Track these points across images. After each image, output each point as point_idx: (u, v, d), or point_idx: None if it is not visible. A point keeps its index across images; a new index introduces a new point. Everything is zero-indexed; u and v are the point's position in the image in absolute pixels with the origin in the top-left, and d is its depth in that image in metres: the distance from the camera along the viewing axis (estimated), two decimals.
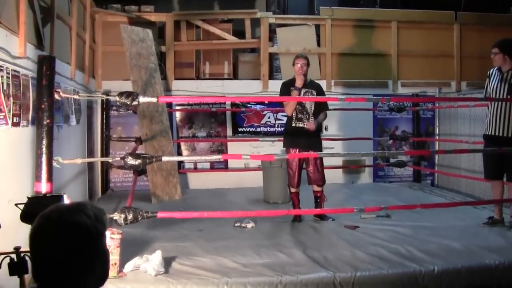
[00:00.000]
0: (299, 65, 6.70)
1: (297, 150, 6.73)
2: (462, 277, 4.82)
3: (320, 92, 6.92)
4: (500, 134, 6.23)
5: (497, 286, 4.84)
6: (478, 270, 4.90)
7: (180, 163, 9.52)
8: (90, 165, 8.73)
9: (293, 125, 6.79)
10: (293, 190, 6.88)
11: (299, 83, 6.72)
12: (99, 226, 1.90)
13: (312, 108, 6.79)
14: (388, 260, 5.01)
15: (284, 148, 7.04)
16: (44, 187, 4.42)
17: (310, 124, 6.71)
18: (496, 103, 6.26)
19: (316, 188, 6.88)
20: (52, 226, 1.82)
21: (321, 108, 6.88)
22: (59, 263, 1.79)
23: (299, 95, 6.70)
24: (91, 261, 1.85)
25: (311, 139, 6.77)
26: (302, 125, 6.76)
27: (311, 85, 6.88)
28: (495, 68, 6.39)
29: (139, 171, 7.99)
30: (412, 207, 6.21)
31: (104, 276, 1.93)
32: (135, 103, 4.90)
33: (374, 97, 6.28)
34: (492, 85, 6.35)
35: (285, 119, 10.09)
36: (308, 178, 6.85)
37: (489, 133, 6.37)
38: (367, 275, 4.66)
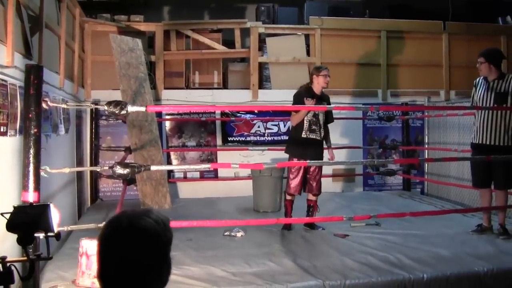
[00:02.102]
0: (325, 77, 6.72)
1: (302, 161, 6.58)
2: (451, 284, 4.84)
3: (329, 103, 6.95)
4: (487, 143, 6.28)
5: None
6: (467, 278, 4.92)
7: (170, 173, 9.50)
8: (79, 175, 8.70)
9: (304, 136, 6.71)
10: (288, 198, 6.87)
11: (318, 89, 6.76)
12: (168, 234, 1.94)
13: (323, 120, 6.83)
14: (378, 268, 5.02)
15: (288, 156, 7.03)
16: (31, 197, 4.39)
17: (332, 155, 6.96)
18: (483, 112, 6.31)
19: (311, 197, 6.86)
20: (122, 232, 1.86)
21: (328, 120, 6.95)
22: (127, 267, 1.83)
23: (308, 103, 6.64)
24: (158, 266, 1.89)
25: (319, 151, 6.78)
26: (314, 137, 6.73)
27: (324, 97, 6.89)
28: (481, 78, 6.45)
29: (129, 181, 7.97)
30: (401, 215, 6.23)
31: (166, 282, 1.94)
32: (123, 112, 4.89)
33: (363, 106, 6.31)
34: (479, 94, 6.40)
35: (275, 128, 10.20)
36: (306, 186, 6.83)
37: (477, 142, 6.41)
38: (357, 283, 4.67)
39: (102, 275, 1.87)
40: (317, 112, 6.68)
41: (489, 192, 6.48)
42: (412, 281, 4.76)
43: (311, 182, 6.78)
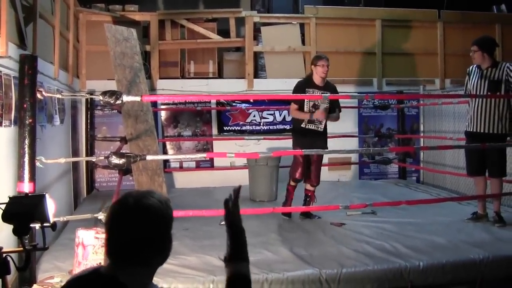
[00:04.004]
0: (323, 67, 6.62)
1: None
2: (447, 272, 4.86)
3: (335, 93, 6.80)
4: (481, 131, 6.29)
5: (482, 280, 4.87)
6: (463, 265, 4.95)
7: (166, 163, 9.49)
8: (75, 165, 8.69)
9: (303, 126, 6.71)
10: (292, 183, 6.89)
11: (318, 80, 6.65)
12: (169, 212, 2.14)
13: (328, 110, 6.67)
14: (374, 256, 5.05)
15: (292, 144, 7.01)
16: (26, 187, 4.38)
17: (319, 114, 6.56)
18: (477, 100, 6.31)
19: (309, 188, 6.87)
20: (129, 210, 2.05)
21: (334, 109, 6.83)
22: (134, 243, 2.02)
23: (310, 117, 6.61)
24: (161, 242, 2.09)
25: (318, 141, 6.62)
26: (314, 128, 6.69)
27: (328, 87, 6.75)
28: (475, 66, 6.46)
29: (124, 171, 7.93)
30: (397, 203, 6.25)
31: (167, 256, 2.15)
32: (118, 102, 4.86)
33: (358, 95, 6.30)
34: (472, 82, 6.41)
35: (270, 117, 10.20)
36: (306, 176, 6.82)
37: (471, 130, 6.42)
38: (353, 271, 4.69)
39: (109, 250, 2.06)
40: (317, 103, 6.60)
41: (484, 180, 6.50)
42: (409, 269, 4.79)
43: (310, 173, 6.77)
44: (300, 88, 6.67)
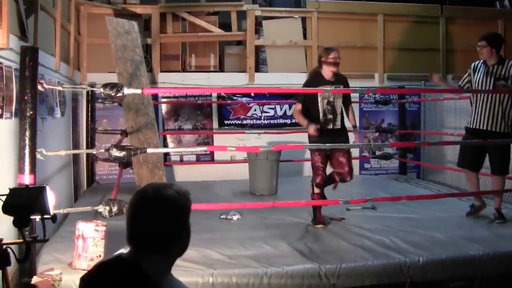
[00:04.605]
0: (335, 60, 6.12)
1: (324, 153, 6.15)
2: (446, 268, 4.86)
3: (347, 86, 6.40)
4: (484, 128, 6.27)
5: (481, 277, 4.88)
6: (462, 261, 4.95)
7: (166, 156, 9.50)
8: (75, 158, 8.69)
9: (319, 127, 6.07)
10: (316, 190, 6.27)
11: (328, 75, 6.16)
12: (188, 203, 2.21)
13: (341, 105, 6.29)
14: (374, 251, 5.05)
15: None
16: (27, 179, 4.38)
17: (311, 130, 5.99)
18: (481, 97, 6.29)
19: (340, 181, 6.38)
20: (148, 201, 2.14)
21: (347, 103, 6.41)
22: (154, 232, 2.11)
23: (307, 126, 6.10)
24: (180, 231, 2.17)
25: (335, 138, 6.06)
26: (331, 127, 6.18)
27: (340, 80, 6.27)
28: (480, 62, 6.42)
29: (125, 164, 7.95)
30: (397, 198, 6.24)
31: (185, 247, 2.25)
32: (119, 94, 4.86)
33: (360, 89, 6.29)
34: (477, 79, 6.37)
35: (271, 111, 10.19)
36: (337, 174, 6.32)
37: (472, 127, 6.39)
38: (353, 266, 4.69)
39: (130, 238, 2.16)
40: (331, 99, 6.17)
41: (476, 176, 6.51)
42: (408, 264, 4.78)
43: (341, 170, 6.24)
44: (310, 83, 6.28)
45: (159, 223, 2.11)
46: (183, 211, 2.18)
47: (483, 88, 6.28)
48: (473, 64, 6.55)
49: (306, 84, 6.36)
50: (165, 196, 2.14)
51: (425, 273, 4.81)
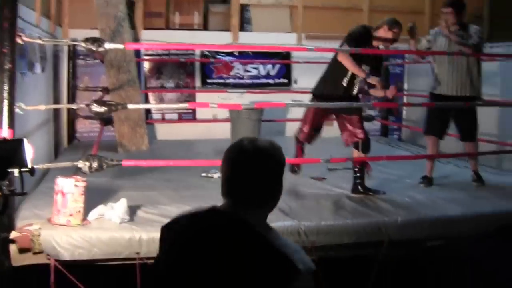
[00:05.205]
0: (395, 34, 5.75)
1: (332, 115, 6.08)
2: (424, 227, 4.92)
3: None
4: (452, 93, 6.23)
5: (458, 237, 4.95)
6: (441, 221, 5.01)
7: (148, 114, 9.45)
8: (56, 115, 8.62)
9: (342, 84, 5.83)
10: (297, 143, 6.21)
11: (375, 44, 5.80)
12: (283, 157, 2.17)
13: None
14: (353, 210, 5.12)
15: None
16: (5, 134, 4.32)
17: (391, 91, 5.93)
18: (447, 62, 6.24)
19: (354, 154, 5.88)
20: (249, 155, 2.10)
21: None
22: (255, 186, 2.10)
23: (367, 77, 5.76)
24: (275, 188, 2.15)
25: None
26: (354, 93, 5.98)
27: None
28: (439, 29, 6.34)
29: (106, 121, 7.91)
30: (378, 158, 6.29)
31: (275, 205, 2.19)
32: (101, 49, 4.80)
33: (344, 49, 6.24)
34: (441, 45, 6.29)
35: (254, 71, 10.15)
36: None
37: (440, 92, 6.35)
38: (332, 224, 4.74)
39: (228, 191, 2.12)
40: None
41: (438, 142, 6.47)
42: (387, 223, 4.84)
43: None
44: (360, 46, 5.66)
45: (260, 177, 2.11)
46: (281, 165, 2.17)
47: (450, 56, 6.22)
48: (433, 31, 6.48)
49: (359, 42, 5.70)
50: (265, 151, 2.13)
51: (403, 232, 4.87)
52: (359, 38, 5.71)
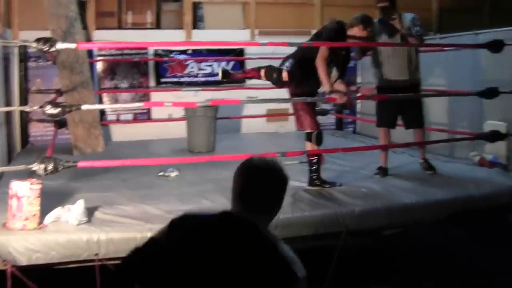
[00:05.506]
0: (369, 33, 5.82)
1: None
2: (381, 216, 5.02)
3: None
4: (397, 78, 6.34)
5: (414, 223, 5.06)
6: (396, 209, 5.13)
7: (102, 115, 9.36)
8: (8, 119, 8.45)
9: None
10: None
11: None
12: (286, 173, 2.50)
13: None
14: (310, 202, 5.17)
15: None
16: None
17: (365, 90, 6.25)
18: (390, 54, 6.35)
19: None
20: (263, 169, 2.47)
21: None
22: (267, 195, 2.43)
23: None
24: (281, 197, 2.47)
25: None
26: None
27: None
28: (378, 19, 6.44)
29: (60, 124, 7.83)
30: (333, 151, 6.34)
31: (278, 212, 2.51)
32: (53, 49, 4.75)
33: (296, 42, 6.28)
34: (383, 39, 6.38)
35: (208, 69, 10.15)
36: None
37: (382, 85, 6.45)
38: (290, 217, 4.77)
39: (242, 199, 2.43)
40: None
41: (389, 133, 6.56)
42: (344, 214, 4.92)
43: None
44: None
45: (270, 187, 2.44)
46: (286, 179, 2.49)
47: (392, 47, 6.33)
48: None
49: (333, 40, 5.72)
50: (276, 167, 2.48)
51: (361, 222, 4.97)
52: (334, 36, 5.71)
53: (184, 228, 2.36)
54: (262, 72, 6.19)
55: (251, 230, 2.31)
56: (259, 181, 2.43)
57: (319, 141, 5.82)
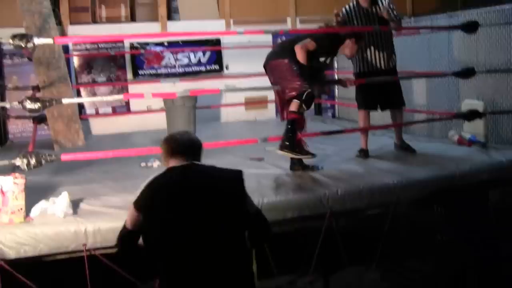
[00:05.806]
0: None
1: None
2: (364, 196, 5.08)
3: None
4: (380, 67, 6.39)
5: (396, 203, 5.13)
6: (378, 189, 5.18)
7: (81, 109, 9.33)
8: None
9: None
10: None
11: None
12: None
13: None
14: (293, 186, 5.22)
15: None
16: None
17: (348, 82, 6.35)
18: (370, 39, 6.34)
19: None
20: (187, 132, 3.67)
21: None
22: (198, 146, 3.30)
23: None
24: (200, 145, 3.33)
25: None
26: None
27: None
28: (352, 5, 6.44)
29: (39, 120, 7.79)
30: (313, 134, 6.38)
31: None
32: (30, 45, 4.74)
33: (272, 30, 6.31)
34: (359, 24, 6.38)
35: (185, 60, 10.15)
36: None
37: (366, 70, 6.48)
38: (274, 200, 4.82)
39: (184, 152, 3.17)
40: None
41: (369, 115, 6.62)
42: (327, 196, 4.97)
43: None
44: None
45: (198, 141, 3.27)
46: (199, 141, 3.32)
47: (370, 32, 6.31)
48: (345, 9, 6.49)
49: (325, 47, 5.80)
50: (193, 135, 3.41)
51: (344, 203, 5.03)
52: (329, 45, 5.80)
53: (160, 187, 3.06)
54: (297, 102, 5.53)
55: (199, 167, 3.13)
56: (189, 137, 3.27)
57: (308, 103, 5.51)
